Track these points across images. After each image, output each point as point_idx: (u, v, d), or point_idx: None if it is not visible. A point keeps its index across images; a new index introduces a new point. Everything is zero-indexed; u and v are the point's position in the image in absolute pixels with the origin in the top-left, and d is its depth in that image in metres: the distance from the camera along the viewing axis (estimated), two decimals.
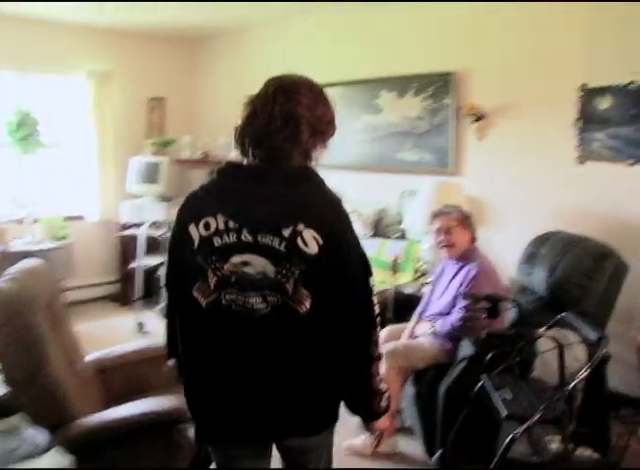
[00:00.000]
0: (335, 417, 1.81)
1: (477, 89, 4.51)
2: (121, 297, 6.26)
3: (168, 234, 5.44)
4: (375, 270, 1.75)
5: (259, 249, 1.61)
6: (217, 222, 1.64)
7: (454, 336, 3.25)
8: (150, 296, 5.90)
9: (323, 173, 1.73)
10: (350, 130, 5.23)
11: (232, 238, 1.63)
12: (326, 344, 1.68)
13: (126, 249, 6.06)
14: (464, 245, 3.44)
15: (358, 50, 5.28)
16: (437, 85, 4.70)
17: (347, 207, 1.75)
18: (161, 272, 5.64)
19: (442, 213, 3.52)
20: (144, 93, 6.56)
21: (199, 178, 6.42)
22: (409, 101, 4.90)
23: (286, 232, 1.59)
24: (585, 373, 2.22)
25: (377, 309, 1.70)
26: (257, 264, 1.62)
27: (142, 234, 5.55)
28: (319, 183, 1.69)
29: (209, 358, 1.73)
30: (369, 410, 1.78)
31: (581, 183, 4.00)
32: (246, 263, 1.63)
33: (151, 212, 5.80)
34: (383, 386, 1.76)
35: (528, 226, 4.11)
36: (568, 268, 3.27)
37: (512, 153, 4.38)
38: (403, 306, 3.96)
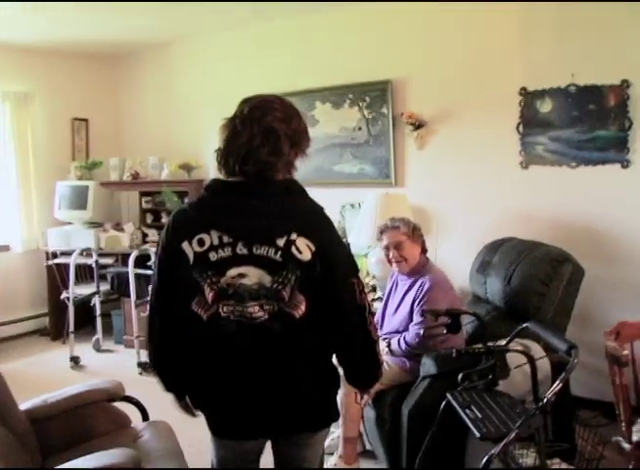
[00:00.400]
0: (335, 416, 1.93)
1: (415, 97, 4.45)
2: (52, 330, 5.86)
3: (102, 261, 5.12)
4: None
5: (255, 260, 1.70)
6: (211, 238, 1.71)
7: (412, 353, 3.13)
8: (83, 327, 5.60)
9: None
10: None
11: (227, 252, 1.70)
12: (322, 344, 1.82)
13: (55, 279, 5.70)
14: (415, 258, 3.31)
15: (289, 62, 5.14)
16: (374, 95, 4.62)
17: None
18: (95, 301, 5.37)
19: (390, 228, 3.36)
20: (66, 114, 6.21)
21: (130, 201, 6.17)
22: (346, 112, 4.80)
23: (280, 242, 1.68)
24: (559, 386, 2.14)
25: (369, 299, 1.85)
26: (254, 275, 1.71)
27: (72, 262, 5.23)
28: (303, 193, 1.79)
29: (214, 366, 1.81)
30: (374, 379, 1.97)
31: (526, 188, 3.98)
32: (242, 275, 1.71)
33: (80, 239, 5.61)
34: (381, 357, 1.95)
35: (475, 234, 4.07)
36: (524, 276, 3.19)
37: (454, 160, 4.33)
38: None
